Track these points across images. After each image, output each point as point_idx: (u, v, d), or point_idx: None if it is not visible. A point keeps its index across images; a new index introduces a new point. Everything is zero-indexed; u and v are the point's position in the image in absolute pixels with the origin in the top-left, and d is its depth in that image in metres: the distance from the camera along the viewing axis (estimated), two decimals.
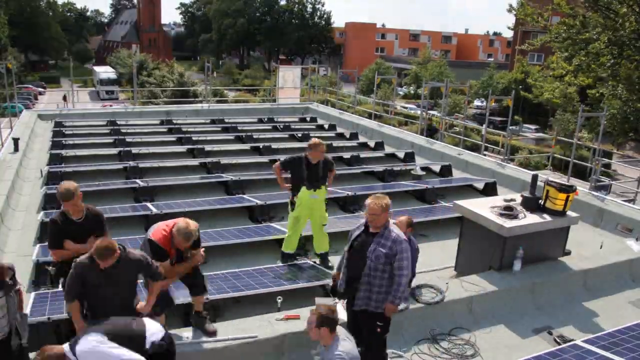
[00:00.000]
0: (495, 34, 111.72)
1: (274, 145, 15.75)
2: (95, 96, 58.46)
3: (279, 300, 6.20)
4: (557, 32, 21.89)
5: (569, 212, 7.61)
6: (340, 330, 4.36)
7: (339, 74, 30.54)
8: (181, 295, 6.44)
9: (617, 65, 20.30)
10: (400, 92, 64.07)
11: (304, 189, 7.58)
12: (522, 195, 7.91)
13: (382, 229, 4.99)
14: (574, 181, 13.01)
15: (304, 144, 16.41)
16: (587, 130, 29.41)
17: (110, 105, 36.57)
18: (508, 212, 7.33)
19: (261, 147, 15.56)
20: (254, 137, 17.16)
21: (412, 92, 65.66)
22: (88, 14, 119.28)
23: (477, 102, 58.01)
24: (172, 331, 5.41)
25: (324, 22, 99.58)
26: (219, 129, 18.66)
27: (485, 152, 16.22)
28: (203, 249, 5.51)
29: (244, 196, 11.08)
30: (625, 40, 19.83)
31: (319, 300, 5.22)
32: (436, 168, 14.16)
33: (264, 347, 5.54)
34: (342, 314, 5.22)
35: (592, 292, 7.49)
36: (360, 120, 20.04)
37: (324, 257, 8.02)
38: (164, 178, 12.17)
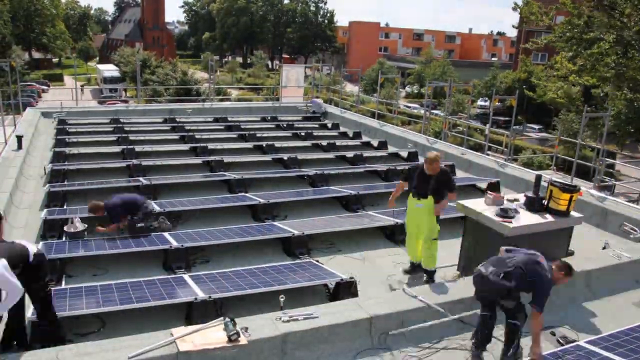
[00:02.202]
0: (499, 33, 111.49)
1: (277, 144, 15.75)
2: (97, 94, 58.49)
3: (282, 299, 6.20)
4: (561, 32, 21.84)
5: (573, 213, 7.59)
6: None
7: (343, 73, 30.56)
8: (185, 295, 6.46)
9: (621, 64, 20.23)
10: (403, 92, 63.98)
11: (410, 196, 7.43)
12: (525, 195, 7.89)
13: None
14: (577, 181, 12.97)
15: (308, 143, 16.53)
16: (590, 130, 29.27)
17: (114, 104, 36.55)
18: (503, 213, 7.32)
19: (264, 145, 15.56)
20: (257, 135, 17.16)
21: (415, 91, 65.58)
22: (92, 12, 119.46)
23: (480, 102, 57.94)
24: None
25: (327, 21, 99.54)
26: (222, 127, 18.67)
27: (489, 152, 16.19)
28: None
29: (247, 195, 11.08)
30: (630, 41, 19.77)
31: None
32: None
33: (267, 346, 5.54)
34: None
35: (595, 293, 7.46)
36: (363, 120, 20.03)
37: (430, 274, 7.56)
38: (167, 176, 12.18)
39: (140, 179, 11.59)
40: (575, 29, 21.12)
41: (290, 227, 8.99)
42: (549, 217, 7.46)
